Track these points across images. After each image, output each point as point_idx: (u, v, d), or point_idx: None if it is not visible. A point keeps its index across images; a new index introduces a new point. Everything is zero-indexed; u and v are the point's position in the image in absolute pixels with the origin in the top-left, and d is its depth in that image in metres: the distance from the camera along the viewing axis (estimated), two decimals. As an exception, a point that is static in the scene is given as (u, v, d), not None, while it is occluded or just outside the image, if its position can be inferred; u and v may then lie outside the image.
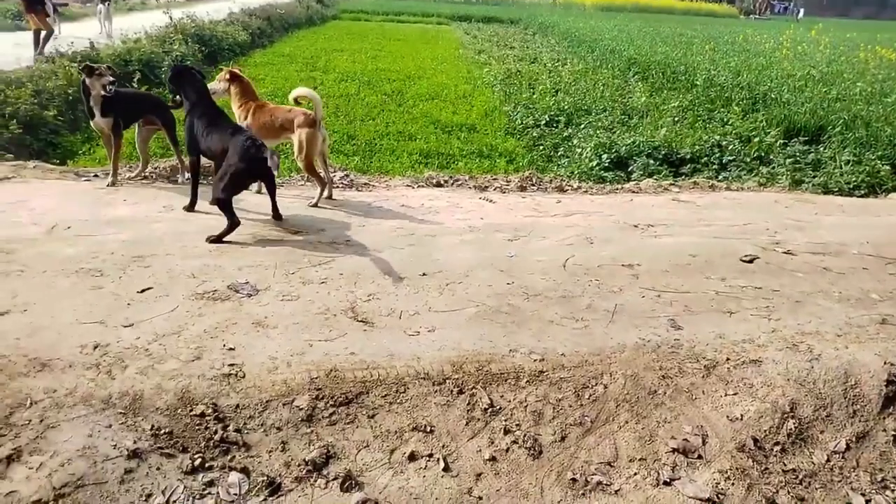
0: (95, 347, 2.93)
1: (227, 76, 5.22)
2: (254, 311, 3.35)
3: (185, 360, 2.92)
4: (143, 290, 3.46)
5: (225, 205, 4.17)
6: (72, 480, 2.34)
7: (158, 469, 2.43)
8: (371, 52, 17.33)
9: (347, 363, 2.99)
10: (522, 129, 9.67)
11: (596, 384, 3.02)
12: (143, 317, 3.21)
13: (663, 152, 7.97)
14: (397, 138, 8.76)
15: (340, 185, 5.81)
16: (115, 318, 3.18)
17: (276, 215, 4.60)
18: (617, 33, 21.81)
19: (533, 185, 6.15)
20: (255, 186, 5.06)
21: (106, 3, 14.51)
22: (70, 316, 3.15)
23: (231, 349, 3.03)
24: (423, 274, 3.91)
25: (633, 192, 6.20)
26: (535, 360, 3.10)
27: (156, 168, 5.68)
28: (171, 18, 13.84)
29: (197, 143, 4.53)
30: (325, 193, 5.20)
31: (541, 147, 8.75)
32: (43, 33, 11.68)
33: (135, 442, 2.49)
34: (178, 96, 4.73)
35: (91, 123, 5.39)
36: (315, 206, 5.04)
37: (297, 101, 5.32)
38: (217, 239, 4.16)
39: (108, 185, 5.15)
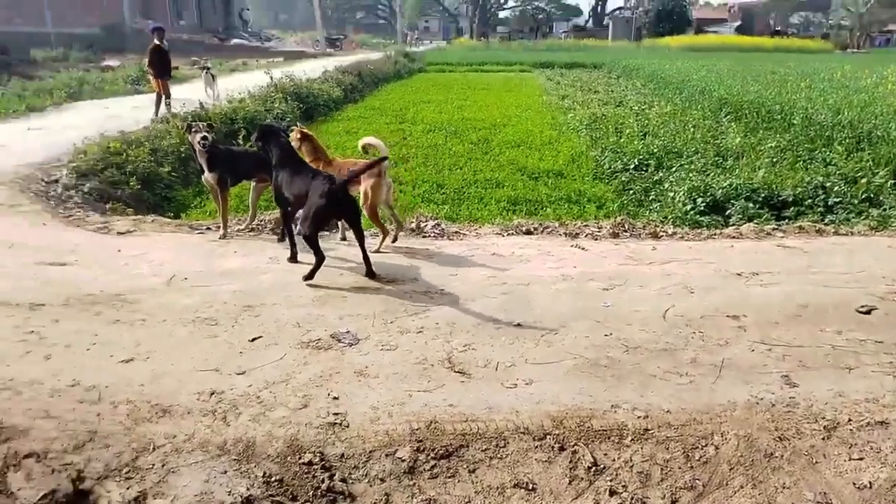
0: (212, 394, 3.10)
1: (299, 135, 5.50)
2: (355, 361, 3.45)
3: (293, 408, 3.03)
4: (253, 339, 3.65)
5: (310, 240, 4.43)
6: (190, 525, 2.46)
7: (270, 517, 2.52)
8: (457, 102, 17.79)
9: (447, 415, 3.01)
10: (611, 173, 9.58)
11: (706, 445, 2.89)
12: (254, 364, 3.37)
13: (763, 195, 7.66)
14: (485, 186, 8.88)
15: (432, 234, 5.93)
16: (229, 365, 3.36)
17: (369, 272, 4.66)
18: (705, 73, 21.41)
19: (625, 231, 6.05)
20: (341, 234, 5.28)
21: (208, 70, 15.13)
22: (188, 363, 3.36)
23: (335, 398, 3.12)
24: (518, 324, 3.91)
25: (733, 237, 5.97)
26: (638, 417, 3.01)
27: (262, 220, 6.00)
28: (271, 78, 14.78)
29: (283, 195, 4.81)
30: (389, 241, 5.39)
31: (631, 191, 8.62)
32: (164, 99, 12.71)
33: (248, 489, 2.59)
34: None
35: (202, 178, 5.81)
36: (377, 251, 5.18)
37: (364, 150, 5.52)
38: (310, 276, 4.45)
39: (219, 238, 5.49)
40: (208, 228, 5.89)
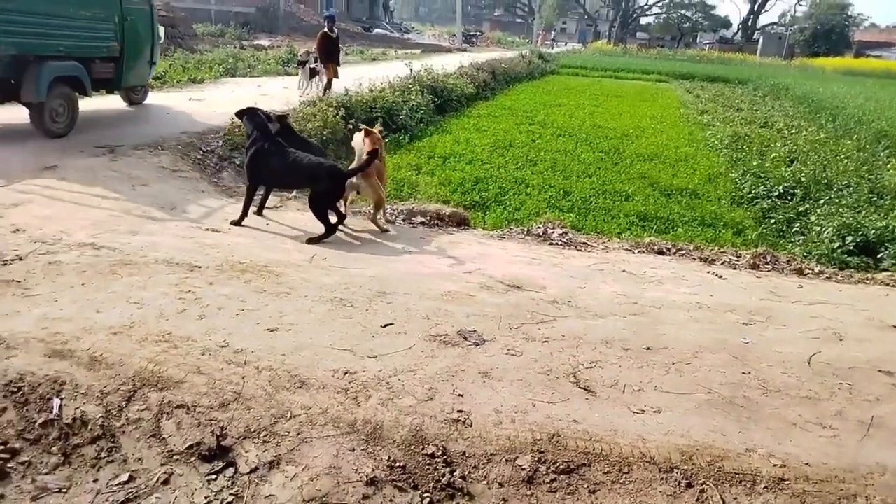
0: (345, 373, 3.25)
1: (364, 130, 6.05)
2: (480, 361, 3.49)
3: (419, 398, 3.12)
4: (385, 325, 3.78)
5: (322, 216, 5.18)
6: (318, 496, 2.59)
7: (391, 501, 2.60)
8: (588, 108, 17.46)
9: (570, 430, 2.97)
10: (751, 198, 9.04)
11: (848, 506, 2.68)
12: (385, 351, 3.49)
13: (924, 241, 6.96)
14: (613, 198, 8.66)
15: (559, 243, 5.88)
16: (362, 348, 3.50)
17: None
18: (863, 101, 19.66)
19: (767, 263, 5.71)
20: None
21: (305, 66, 13.52)
22: (326, 340, 3.54)
23: (460, 395, 3.17)
24: (648, 348, 3.79)
25: (888, 284, 5.47)
26: (774, 465, 2.83)
27: (395, 210, 6.20)
28: (411, 70, 15.16)
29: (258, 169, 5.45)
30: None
31: (772, 220, 8.10)
32: (324, 81, 13.29)
33: (373, 470, 2.70)
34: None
35: None
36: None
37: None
38: (317, 239, 5.09)
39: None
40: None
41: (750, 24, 69.34)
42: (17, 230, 4.54)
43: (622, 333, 3.95)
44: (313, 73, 13.22)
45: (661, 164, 11.09)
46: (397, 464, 2.74)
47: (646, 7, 73.84)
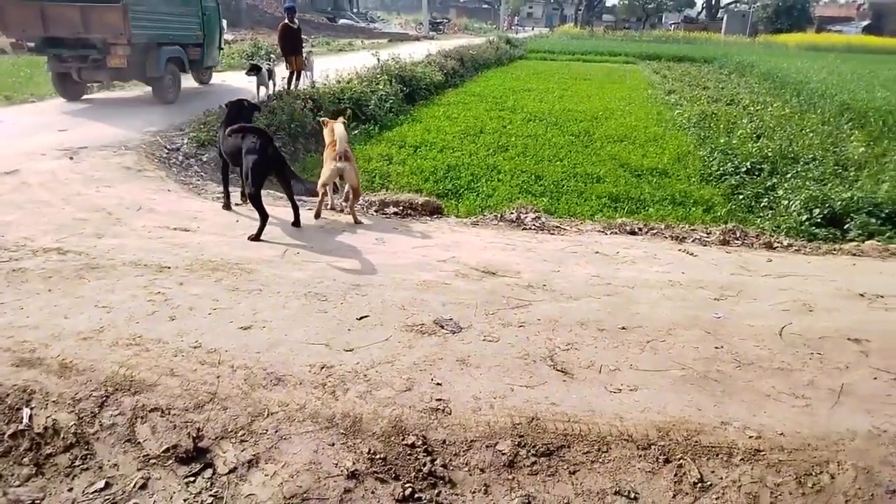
0: (322, 368, 3.22)
1: (322, 121, 6.30)
2: (458, 349, 3.49)
3: (397, 389, 3.11)
4: (361, 318, 3.76)
5: (252, 198, 5.02)
6: (299, 492, 2.58)
7: (373, 493, 2.60)
8: (557, 92, 17.51)
9: (549, 413, 2.99)
10: (720, 175, 9.18)
11: (821, 472, 2.74)
12: (361, 343, 3.47)
13: (887, 210, 7.12)
14: (585, 180, 8.72)
15: (532, 227, 5.89)
16: (338, 341, 3.48)
17: (296, 221, 5.28)
18: (826, 75, 20.02)
19: (737, 238, 5.78)
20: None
21: (261, 72, 11.56)
22: (301, 335, 3.51)
23: (438, 384, 3.17)
24: (623, 328, 3.82)
25: (854, 254, 5.58)
26: (749, 437, 2.88)
27: (368, 201, 6.16)
28: (378, 60, 15.04)
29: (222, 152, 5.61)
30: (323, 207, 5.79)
31: (741, 196, 8.24)
32: (297, 74, 12.76)
33: (353, 463, 2.69)
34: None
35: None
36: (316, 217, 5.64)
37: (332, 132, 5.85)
38: (256, 237, 4.88)
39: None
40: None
41: (714, 2, 70.01)
42: (-22, 238, 4.43)
43: (597, 314, 3.98)
44: (270, 75, 11.74)
45: (631, 145, 11.18)
46: (378, 456, 2.73)
47: (610, -10, 74.06)
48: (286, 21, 12.39)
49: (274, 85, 11.82)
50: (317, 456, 2.72)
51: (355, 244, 4.94)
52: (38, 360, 3.11)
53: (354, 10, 50.93)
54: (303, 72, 12.92)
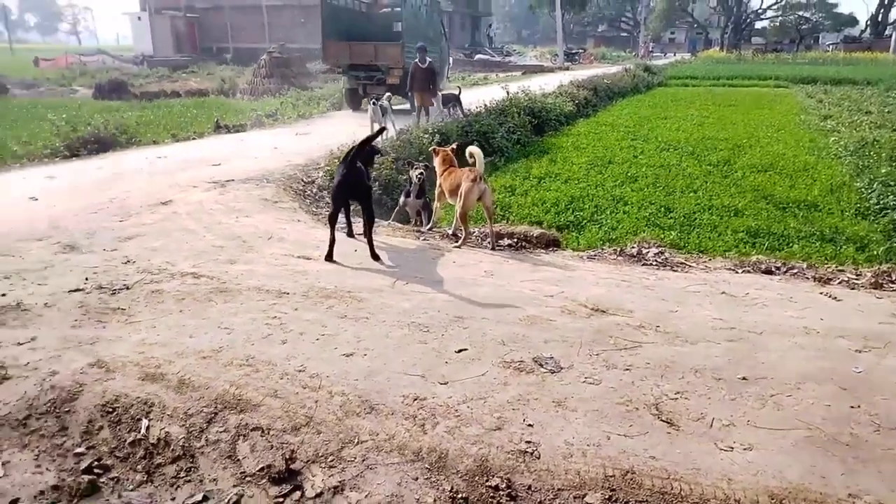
0: (415, 399, 3.23)
1: (433, 150, 6.61)
2: (555, 389, 3.36)
3: (487, 427, 3.04)
4: (459, 351, 3.74)
5: (329, 219, 5.34)
6: (379, 524, 2.58)
7: (452, 534, 2.54)
8: (697, 119, 16.70)
9: (646, 467, 2.78)
10: (879, 210, 8.20)
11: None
12: (457, 377, 3.45)
13: None
14: (721, 213, 8.17)
15: (654, 263, 5.59)
16: (434, 373, 3.48)
17: (372, 254, 5.29)
18: None
19: (893, 282, 5.12)
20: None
21: (376, 102, 11.79)
22: (399, 365, 3.55)
23: (530, 425, 3.06)
24: (743, 378, 3.49)
25: None
26: (885, 514, 2.50)
27: (481, 234, 6.19)
28: (507, 93, 15.20)
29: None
30: (459, 243, 5.87)
31: (904, 234, 7.30)
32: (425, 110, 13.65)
33: (434, 500, 2.65)
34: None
35: (403, 202, 6.93)
36: (458, 247, 5.79)
37: (471, 156, 5.91)
38: (327, 257, 5.17)
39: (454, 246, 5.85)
40: (429, 236, 6.21)
41: (880, 19, 63.67)
42: (128, 261, 4.96)
43: (715, 361, 3.67)
44: (384, 112, 11.89)
45: (777, 175, 10.36)
46: (459, 495, 2.67)
47: (760, 11, 69.78)
48: (416, 61, 13.09)
49: (392, 123, 11.89)
50: (400, 489, 2.71)
51: (464, 275, 4.96)
52: (161, 376, 3.39)
53: (491, 46, 52.04)
54: (431, 108, 13.38)
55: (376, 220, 6.82)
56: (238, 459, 2.93)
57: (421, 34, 16.52)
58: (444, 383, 3.40)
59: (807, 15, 66.54)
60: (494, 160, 11.24)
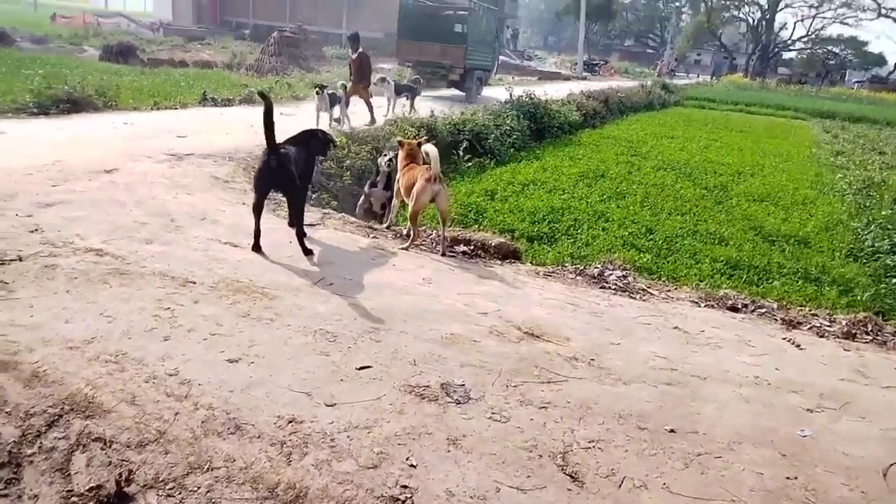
0: (290, 422, 2.83)
1: (399, 141, 6.15)
2: (454, 424, 2.95)
3: (362, 464, 2.63)
4: (361, 367, 3.33)
5: (253, 209, 4.78)
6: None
7: (282, 592, 2.14)
8: (704, 142, 16.24)
9: (532, 530, 2.37)
10: (872, 253, 7.76)
11: None
12: (348, 399, 3.04)
13: None
14: (704, 239, 7.75)
15: (613, 287, 5.17)
16: (323, 392, 3.07)
17: (303, 248, 4.81)
18: None
19: (868, 332, 4.69)
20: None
21: (321, 91, 10.57)
22: (286, 378, 3.14)
23: (412, 466, 2.65)
24: (671, 430, 3.07)
25: None
26: None
27: (429, 237, 5.79)
28: (510, 95, 14.76)
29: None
30: (408, 244, 5.50)
31: (894, 280, 6.85)
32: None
33: (274, 548, 2.25)
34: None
35: (368, 192, 6.71)
36: (405, 249, 5.40)
37: (426, 154, 5.51)
38: (254, 247, 4.72)
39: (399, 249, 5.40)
40: (381, 234, 5.80)
41: (911, 59, 62.77)
42: (36, 230, 4.56)
43: (643, 407, 3.26)
44: (333, 101, 10.76)
45: (773, 206, 9.94)
46: (304, 544, 2.27)
47: (789, 42, 68.93)
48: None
49: (343, 115, 11.02)
50: (238, 530, 2.31)
51: (397, 282, 4.55)
52: (15, 364, 3.00)
53: (511, 48, 51.51)
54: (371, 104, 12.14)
55: (330, 211, 6.46)
56: (69, 474, 2.53)
57: (480, 38, 19.20)
58: (331, 405, 2.99)
59: (836, 50, 65.61)
60: (483, 161, 10.83)
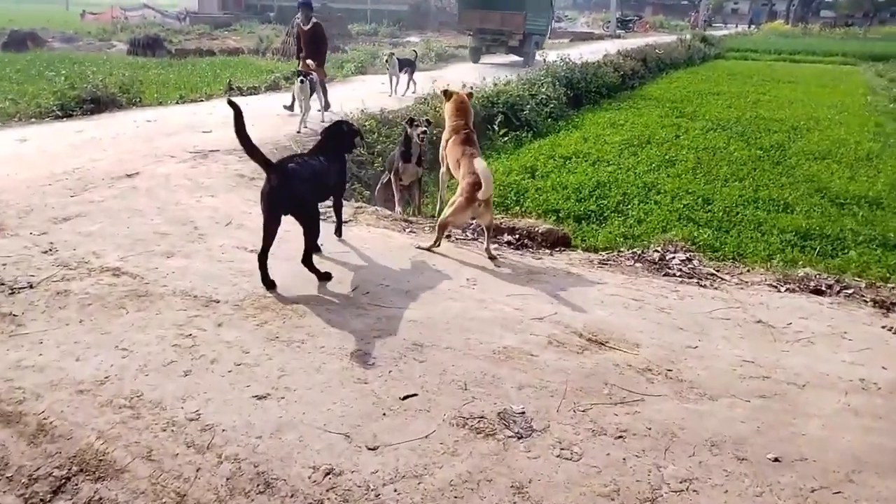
0: (327, 474, 2.44)
1: (443, 91, 5.41)
2: (517, 466, 2.52)
3: (411, 525, 2.24)
4: (405, 397, 2.92)
5: (261, 255, 3.96)
6: None
7: None
8: (752, 97, 15.28)
9: None
10: (958, 210, 7.02)
11: None
12: (393, 439, 2.63)
13: None
14: (767, 208, 7.11)
15: (678, 274, 4.65)
16: (364, 431, 2.67)
17: (317, 273, 4.05)
18: None
19: (979, 312, 4.09)
20: None
21: (304, 80, 9.23)
22: (321, 416, 2.75)
23: (471, 526, 2.24)
24: (776, 459, 2.59)
25: None
26: None
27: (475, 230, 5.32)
28: (544, 61, 14.05)
29: None
30: (428, 244, 4.74)
31: None
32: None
33: None
34: None
35: (400, 167, 6.06)
36: (429, 250, 4.70)
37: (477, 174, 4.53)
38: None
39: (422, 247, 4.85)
40: (419, 228, 5.35)
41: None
42: (50, 250, 4.24)
43: (738, 429, 2.77)
44: (312, 87, 9.48)
45: (836, 164, 9.16)
46: None
47: (831, -18, 65.20)
48: (298, 20, 11.08)
49: (320, 100, 10.08)
50: None
51: (439, 284, 4.10)
52: (19, 416, 2.68)
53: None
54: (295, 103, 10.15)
55: (362, 205, 6.03)
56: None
57: (536, 3, 20.51)
58: (373, 448, 2.59)
59: (884, -14, 61.82)
60: (520, 135, 10.26)
